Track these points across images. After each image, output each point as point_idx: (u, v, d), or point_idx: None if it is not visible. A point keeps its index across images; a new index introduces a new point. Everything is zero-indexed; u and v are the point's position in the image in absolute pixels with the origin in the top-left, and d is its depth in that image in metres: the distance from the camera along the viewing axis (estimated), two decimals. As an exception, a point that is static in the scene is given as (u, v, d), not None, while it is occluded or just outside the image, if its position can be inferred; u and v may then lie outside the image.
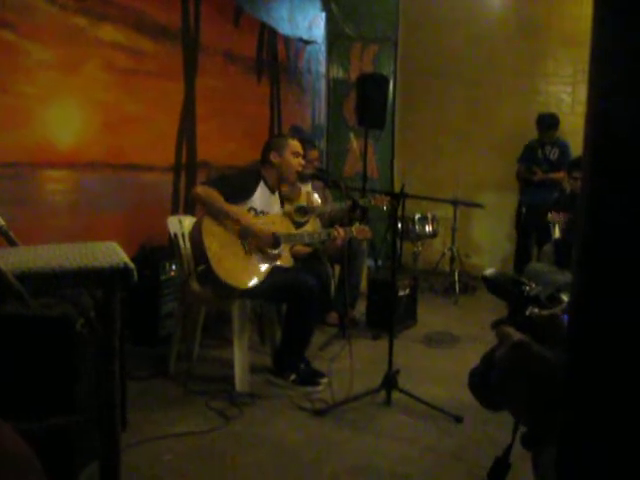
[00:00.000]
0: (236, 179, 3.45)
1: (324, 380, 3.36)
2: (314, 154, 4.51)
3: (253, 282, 3.24)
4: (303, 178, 4.24)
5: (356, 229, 3.66)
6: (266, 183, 3.49)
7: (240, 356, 3.27)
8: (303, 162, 3.57)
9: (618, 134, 0.55)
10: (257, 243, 3.29)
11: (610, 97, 0.57)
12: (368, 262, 4.99)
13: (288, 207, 3.85)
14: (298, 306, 3.30)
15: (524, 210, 6.07)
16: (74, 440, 2.17)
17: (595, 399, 0.56)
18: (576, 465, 0.58)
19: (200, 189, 3.25)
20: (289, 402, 3.17)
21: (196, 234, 3.22)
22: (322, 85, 6.64)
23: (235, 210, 3.27)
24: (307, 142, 4.70)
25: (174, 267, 3.87)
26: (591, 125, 0.59)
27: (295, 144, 3.54)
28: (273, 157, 3.46)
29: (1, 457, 1.17)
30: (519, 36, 6.39)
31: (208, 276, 3.19)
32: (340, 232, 3.47)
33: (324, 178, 4.15)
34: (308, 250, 3.65)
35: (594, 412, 0.56)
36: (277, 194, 3.62)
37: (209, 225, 3.21)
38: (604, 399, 0.55)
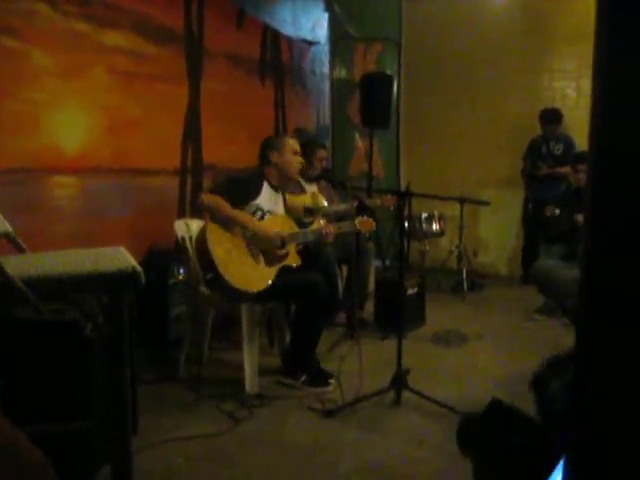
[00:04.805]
0: (241, 181, 3.47)
1: (333, 380, 3.36)
2: (323, 154, 4.51)
3: (263, 285, 3.23)
4: (310, 178, 4.24)
5: (359, 222, 3.68)
6: (270, 183, 3.51)
7: (249, 358, 3.27)
8: (302, 160, 3.59)
9: (622, 129, 0.55)
10: (264, 245, 3.30)
11: (614, 92, 0.56)
12: (375, 262, 4.98)
13: (293, 205, 3.85)
14: (306, 305, 3.32)
15: (531, 206, 6.06)
16: (86, 444, 2.17)
17: (603, 399, 0.56)
18: (587, 456, 0.57)
19: (206, 198, 3.26)
20: (298, 403, 3.17)
21: (201, 242, 3.21)
22: (326, 86, 6.64)
23: (241, 215, 3.28)
24: (315, 143, 4.71)
25: (182, 271, 3.87)
26: (596, 120, 0.58)
27: (294, 143, 3.58)
28: (273, 157, 3.49)
29: (17, 466, 1.18)
30: (523, 32, 6.37)
31: (217, 283, 3.18)
32: (330, 229, 3.52)
33: (330, 178, 4.15)
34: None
35: (604, 412, 0.55)
36: (280, 193, 3.64)
37: (213, 232, 3.20)
38: (612, 397, 0.55)
